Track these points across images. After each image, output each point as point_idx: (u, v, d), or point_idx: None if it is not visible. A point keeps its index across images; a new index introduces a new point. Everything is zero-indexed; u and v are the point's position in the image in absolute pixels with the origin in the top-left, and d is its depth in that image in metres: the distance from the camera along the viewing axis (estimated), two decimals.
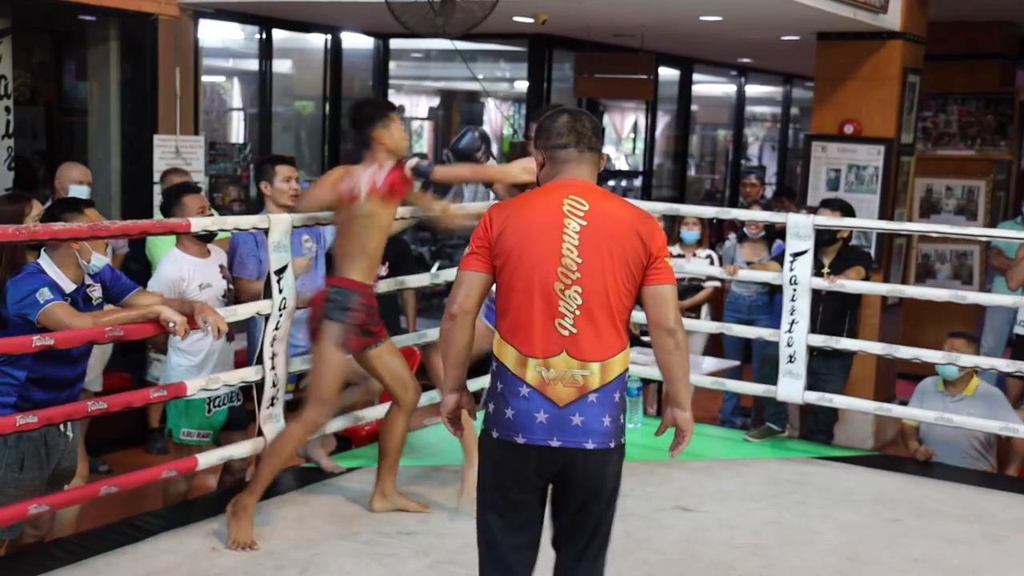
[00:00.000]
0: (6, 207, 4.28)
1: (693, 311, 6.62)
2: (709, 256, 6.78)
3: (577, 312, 2.77)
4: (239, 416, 4.59)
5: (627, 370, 2.88)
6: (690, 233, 6.81)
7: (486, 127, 14.65)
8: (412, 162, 4.16)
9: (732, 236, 6.89)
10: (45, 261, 3.71)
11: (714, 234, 8.34)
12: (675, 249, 6.89)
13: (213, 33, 7.70)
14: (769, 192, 10.81)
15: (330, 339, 3.99)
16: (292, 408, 4.44)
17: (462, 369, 2.95)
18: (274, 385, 4.26)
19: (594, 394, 2.79)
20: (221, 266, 4.57)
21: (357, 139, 4.17)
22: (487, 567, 2.92)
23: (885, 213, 7.18)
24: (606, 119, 12.49)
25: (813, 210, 6.11)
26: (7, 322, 3.66)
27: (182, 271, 4.45)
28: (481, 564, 2.94)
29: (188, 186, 4.83)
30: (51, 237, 3.59)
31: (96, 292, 3.84)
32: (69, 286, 3.71)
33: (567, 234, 2.78)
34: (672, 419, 3.00)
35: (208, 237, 4.49)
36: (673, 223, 6.98)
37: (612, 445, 2.85)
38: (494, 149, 13.50)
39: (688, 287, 6.74)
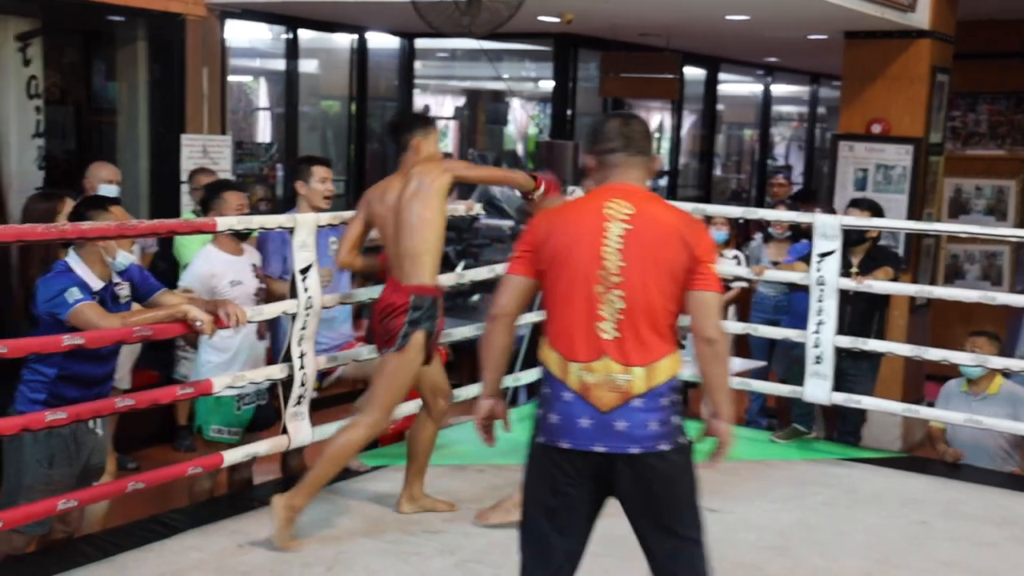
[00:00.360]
0: (39, 204, 4.33)
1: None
2: (736, 256, 6.75)
3: (619, 316, 2.76)
4: (266, 414, 4.61)
5: (677, 375, 2.86)
6: (719, 233, 6.78)
7: (511, 127, 14.67)
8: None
9: (758, 236, 6.85)
10: (73, 259, 3.74)
11: (740, 234, 8.31)
12: None
13: (240, 33, 7.74)
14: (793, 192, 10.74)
15: (415, 349, 3.96)
16: (313, 408, 4.46)
17: (498, 373, 2.96)
18: (302, 384, 4.28)
19: (639, 399, 2.77)
20: (254, 265, 4.59)
21: (396, 143, 4.21)
22: (531, 569, 2.88)
23: (913, 213, 7.13)
24: None
25: (831, 209, 6.08)
26: (38, 320, 3.70)
27: (214, 267, 4.47)
28: (524, 566, 2.90)
29: (230, 183, 4.87)
30: (79, 236, 3.62)
31: (124, 290, 3.87)
32: (97, 284, 3.74)
33: (608, 238, 2.77)
34: (713, 428, 2.97)
35: (242, 235, 4.51)
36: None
37: (663, 448, 2.80)
38: (520, 148, 13.40)
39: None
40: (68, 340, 3.48)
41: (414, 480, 4.30)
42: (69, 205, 4.21)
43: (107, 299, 3.78)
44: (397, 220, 4.02)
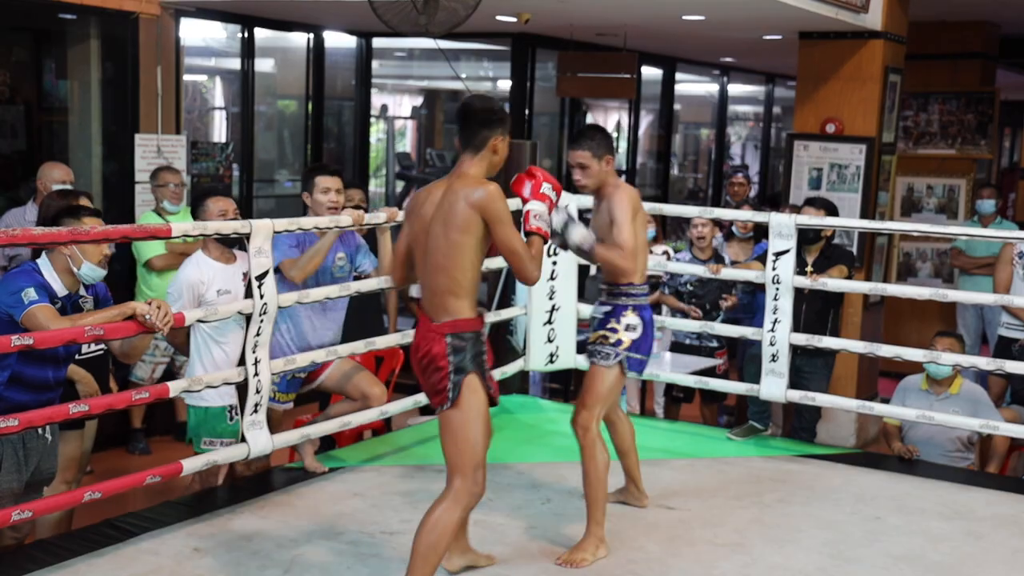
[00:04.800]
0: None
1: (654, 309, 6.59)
2: (665, 252, 6.77)
3: None
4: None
5: None
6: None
7: None
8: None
9: (719, 235, 6.89)
10: (43, 262, 3.70)
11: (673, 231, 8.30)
12: None
13: (195, 32, 7.65)
14: (751, 191, 10.82)
15: (474, 394, 3.34)
16: (303, 403, 4.38)
17: None
18: (257, 391, 4.24)
19: None
20: (245, 273, 4.49)
21: (463, 136, 3.41)
22: None
23: (867, 212, 7.22)
24: (589, 118, 12.49)
25: (797, 209, 6.14)
26: None
27: (202, 275, 4.41)
28: None
29: (215, 189, 4.82)
30: (30, 242, 3.56)
31: (88, 304, 3.83)
32: (62, 290, 3.70)
33: None
34: None
35: (231, 242, 4.44)
36: None
37: None
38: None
39: (648, 285, 6.73)
40: (17, 340, 3.42)
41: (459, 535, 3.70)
42: (85, 200, 4.28)
43: (68, 308, 3.73)
44: (462, 240, 3.33)
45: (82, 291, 3.83)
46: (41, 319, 3.56)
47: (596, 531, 3.93)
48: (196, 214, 4.59)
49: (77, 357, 4.27)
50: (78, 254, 3.74)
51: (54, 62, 7.69)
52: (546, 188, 3.54)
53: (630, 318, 4.08)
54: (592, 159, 4.03)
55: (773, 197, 9.34)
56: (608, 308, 4.14)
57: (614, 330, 4.08)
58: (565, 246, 3.98)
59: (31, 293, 3.58)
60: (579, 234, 3.94)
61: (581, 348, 5.98)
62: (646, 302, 4.17)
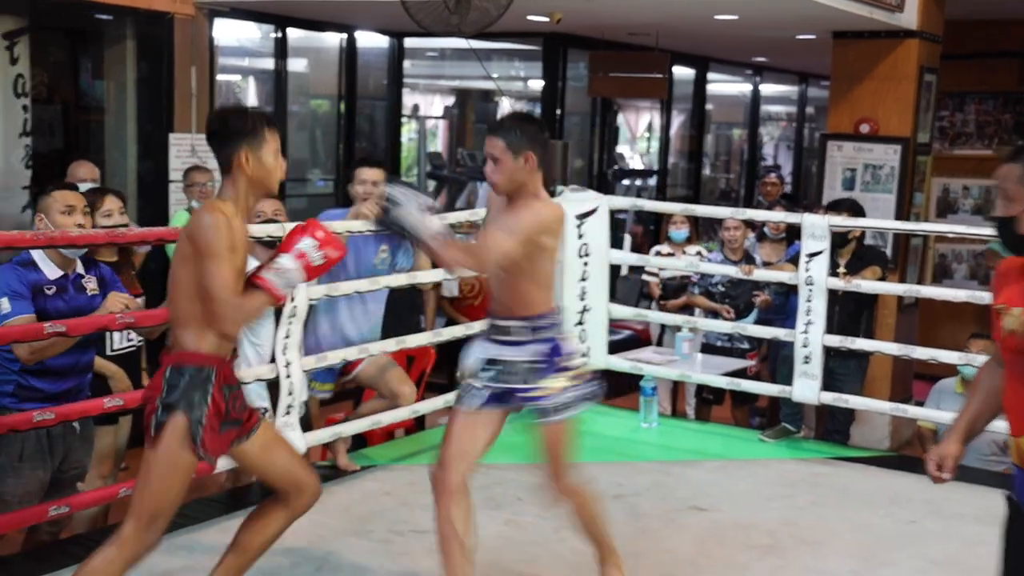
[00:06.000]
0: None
1: (685, 310, 6.57)
2: (698, 253, 6.75)
3: None
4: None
5: None
6: (678, 232, 6.80)
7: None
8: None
9: (752, 236, 6.85)
10: (37, 249, 3.72)
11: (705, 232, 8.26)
12: (664, 248, 6.88)
13: (228, 32, 7.71)
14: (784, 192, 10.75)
15: (174, 438, 2.89)
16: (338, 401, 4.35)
17: None
18: (290, 393, 4.26)
19: None
20: None
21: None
22: None
23: (901, 213, 7.15)
24: (620, 118, 12.47)
25: (827, 209, 6.09)
26: None
27: None
28: None
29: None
30: (69, 243, 3.59)
31: (91, 284, 3.84)
32: (54, 272, 3.71)
33: None
34: None
35: (269, 244, 4.44)
36: (661, 222, 6.96)
37: None
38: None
39: (679, 286, 6.72)
40: (50, 328, 3.43)
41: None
42: (110, 202, 4.27)
43: (69, 287, 3.74)
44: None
45: (80, 269, 3.81)
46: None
47: (614, 560, 3.60)
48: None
49: (109, 352, 4.30)
50: (51, 229, 3.72)
51: (91, 62, 7.77)
52: (306, 245, 2.94)
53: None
54: (506, 152, 3.21)
55: (794, 196, 9.27)
56: (541, 347, 3.32)
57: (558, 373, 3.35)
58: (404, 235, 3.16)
59: (4, 304, 3.56)
60: (428, 222, 3.09)
61: (613, 349, 5.97)
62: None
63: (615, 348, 6.09)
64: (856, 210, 5.86)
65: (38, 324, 3.51)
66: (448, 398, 5.11)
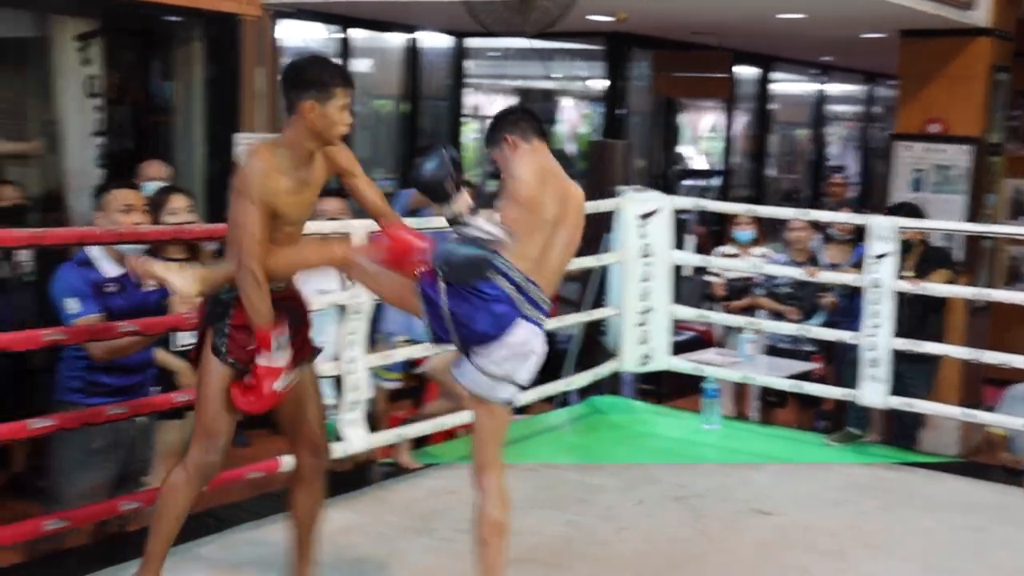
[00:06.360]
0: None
1: (749, 311, 6.50)
2: (764, 255, 6.67)
3: None
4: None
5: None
6: (743, 233, 6.73)
7: (561, 126, 14.62)
8: None
9: (817, 237, 6.76)
10: (95, 247, 3.77)
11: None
12: (729, 249, 6.82)
13: (294, 32, 7.81)
14: (850, 193, 10.59)
15: (207, 352, 3.14)
16: (403, 396, 4.33)
17: None
18: (354, 389, 4.30)
19: None
20: None
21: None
22: None
23: (972, 214, 7.02)
24: (683, 118, 12.38)
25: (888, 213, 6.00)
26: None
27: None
28: None
29: (332, 190, 4.86)
30: (137, 239, 3.66)
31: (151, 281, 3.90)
32: (113, 270, 3.76)
33: None
34: None
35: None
36: (724, 223, 6.89)
37: None
38: (570, 148, 13.31)
39: (743, 287, 6.65)
40: (125, 327, 3.50)
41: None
42: (176, 200, 4.35)
43: (127, 285, 3.80)
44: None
45: None
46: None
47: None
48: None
49: (173, 349, 4.38)
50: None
51: (160, 63, 7.91)
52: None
53: None
54: (494, 152, 3.32)
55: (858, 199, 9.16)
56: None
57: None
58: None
59: (72, 305, 3.63)
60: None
61: (676, 350, 5.94)
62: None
63: (678, 349, 6.05)
64: (916, 216, 5.76)
65: (112, 323, 3.58)
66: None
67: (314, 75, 3.04)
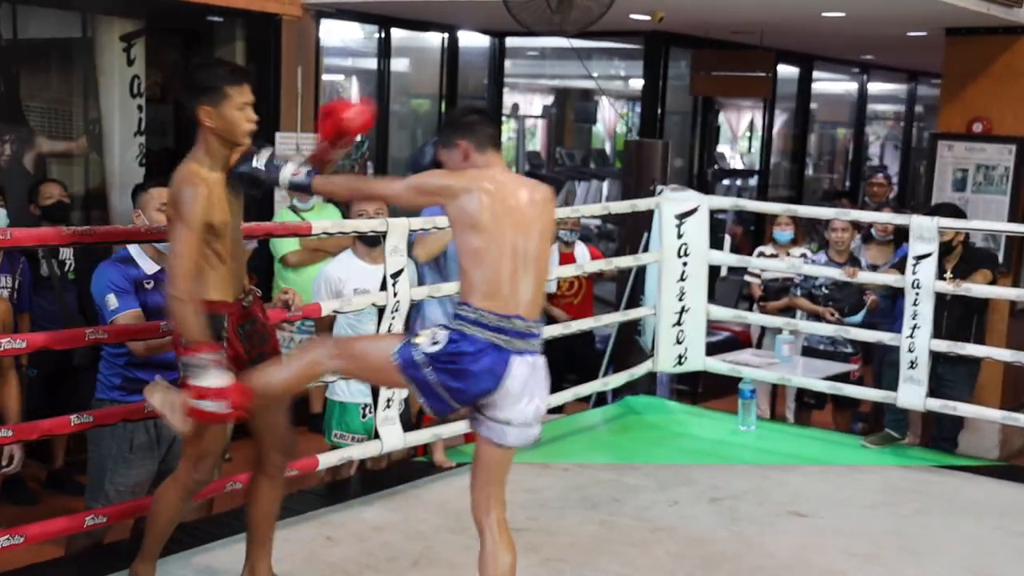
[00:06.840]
0: None
1: (786, 312, 6.44)
2: (803, 255, 6.62)
3: None
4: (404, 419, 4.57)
5: None
6: (783, 233, 6.68)
7: (600, 126, 14.61)
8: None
9: (857, 237, 6.70)
10: (134, 245, 3.81)
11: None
12: (768, 249, 6.77)
13: (334, 32, 7.86)
14: (892, 193, 10.48)
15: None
16: None
17: None
18: (390, 388, 4.32)
19: None
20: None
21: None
22: None
23: (1016, 215, 6.93)
24: (721, 117, 12.32)
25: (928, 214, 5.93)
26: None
27: (344, 271, 4.50)
28: None
29: None
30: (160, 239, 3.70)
31: None
32: (151, 268, 3.79)
33: None
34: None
35: (372, 242, 4.45)
36: (764, 223, 6.84)
37: None
38: (608, 147, 13.28)
39: (781, 287, 6.60)
40: (165, 327, 3.55)
41: (259, 557, 3.40)
42: None
43: (165, 281, 3.83)
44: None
45: None
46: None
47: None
48: (348, 211, 4.66)
49: None
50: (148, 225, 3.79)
51: None
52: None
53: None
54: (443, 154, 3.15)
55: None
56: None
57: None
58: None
59: (112, 301, 3.66)
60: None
61: (711, 351, 5.91)
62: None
63: (713, 350, 6.02)
64: (957, 216, 5.69)
65: (154, 323, 3.63)
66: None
67: (201, 80, 3.03)
